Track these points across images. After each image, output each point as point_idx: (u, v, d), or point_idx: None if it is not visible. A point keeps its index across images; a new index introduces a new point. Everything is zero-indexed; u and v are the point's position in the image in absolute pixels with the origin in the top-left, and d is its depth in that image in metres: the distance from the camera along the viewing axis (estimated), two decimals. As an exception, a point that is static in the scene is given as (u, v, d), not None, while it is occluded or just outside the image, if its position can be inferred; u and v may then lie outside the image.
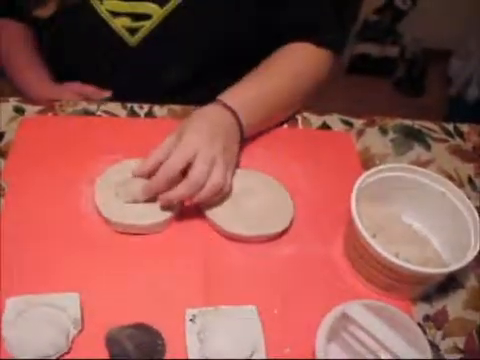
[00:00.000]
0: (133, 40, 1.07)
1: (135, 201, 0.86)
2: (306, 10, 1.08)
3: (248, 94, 0.96)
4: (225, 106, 0.91)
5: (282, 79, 1.02)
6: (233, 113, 0.91)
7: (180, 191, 0.81)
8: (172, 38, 1.07)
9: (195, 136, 0.83)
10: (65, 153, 0.96)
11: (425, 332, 0.78)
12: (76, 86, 1.14)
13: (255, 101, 0.96)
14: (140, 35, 1.07)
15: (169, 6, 1.03)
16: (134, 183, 0.86)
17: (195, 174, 0.80)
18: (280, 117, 1.05)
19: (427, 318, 0.80)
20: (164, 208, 0.86)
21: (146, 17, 1.05)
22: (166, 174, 0.82)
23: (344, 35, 1.17)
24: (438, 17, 2.73)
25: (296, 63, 1.06)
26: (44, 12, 1.05)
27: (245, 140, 0.95)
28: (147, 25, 1.05)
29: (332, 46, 1.10)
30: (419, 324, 0.78)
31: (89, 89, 1.13)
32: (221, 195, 0.85)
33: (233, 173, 0.89)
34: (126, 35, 1.07)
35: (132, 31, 1.06)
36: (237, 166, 0.93)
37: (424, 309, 0.81)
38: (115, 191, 0.88)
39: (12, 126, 1.00)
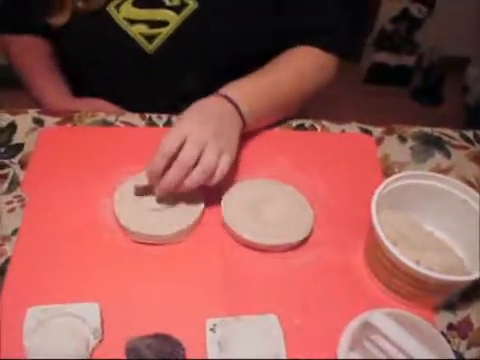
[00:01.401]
0: (151, 47, 1.08)
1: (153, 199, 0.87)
2: (316, 15, 1.10)
3: (248, 84, 0.99)
4: (221, 95, 0.94)
5: (285, 74, 1.05)
6: (230, 100, 0.93)
7: (170, 175, 0.83)
8: (189, 44, 1.08)
9: (185, 122, 0.86)
10: (84, 164, 0.96)
11: (449, 341, 0.77)
12: (99, 103, 1.14)
13: (255, 89, 0.98)
14: (158, 42, 1.07)
15: (185, 12, 1.04)
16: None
17: (183, 156, 0.82)
18: (280, 112, 1.05)
19: (451, 327, 0.79)
20: (183, 217, 0.86)
21: (163, 24, 1.06)
22: (162, 161, 0.83)
23: (354, 42, 1.18)
24: (454, 25, 2.72)
25: (300, 63, 1.08)
26: (59, 20, 1.06)
27: (264, 148, 0.95)
28: (164, 32, 1.06)
29: (339, 51, 1.11)
30: (442, 333, 0.77)
31: (111, 109, 1.13)
32: (215, 180, 0.85)
33: (232, 159, 0.88)
34: (144, 42, 1.07)
35: (149, 38, 1.07)
36: (252, 172, 0.94)
37: (447, 318, 0.80)
38: (134, 201, 0.88)
39: (31, 137, 1.01)
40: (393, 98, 2.79)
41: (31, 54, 1.20)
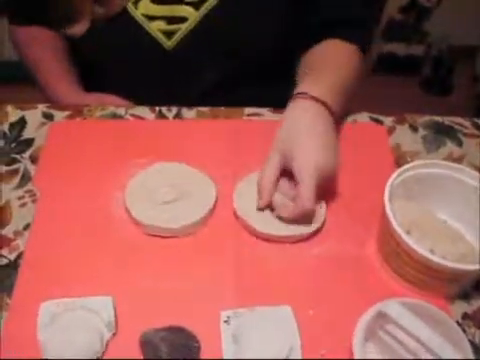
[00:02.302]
0: (169, 43, 1.07)
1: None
2: (340, 7, 1.08)
3: (327, 83, 0.94)
4: (314, 98, 0.89)
5: (346, 70, 1.03)
6: (324, 105, 0.89)
7: (284, 214, 0.84)
8: (207, 40, 1.07)
9: (313, 163, 0.82)
10: (95, 157, 0.96)
11: (464, 331, 0.76)
12: (109, 99, 1.13)
13: (336, 89, 0.95)
14: (176, 38, 1.06)
15: (205, 8, 1.03)
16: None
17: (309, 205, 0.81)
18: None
19: (466, 316, 0.79)
20: (196, 209, 0.86)
21: (182, 20, 1.05)
22: (303, 211, 0.82)
23: (371, 33, 1.18)
24: (463, 14, 2.70)
25: (341, 58, 1.06)
26: (77, 30, 1.06)
27: (272, 140, 0.94)
28: (183, 28, 1.05)
29: (361, 43, 1.10)
30: (458, 323, 0.76)
31: (122, 104, 1.12)
32: None
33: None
34: (163, 38, 1.06)
35: (168, 34, 1.06)
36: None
37: (462, 307, 0.80)
38: (145, 194, 0.88)
39: (41, 132, 1.01)
40: (403, 88, 2.77)
41: (42, 46, 1.20)
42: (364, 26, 1.12)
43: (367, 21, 1.13)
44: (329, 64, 1.02)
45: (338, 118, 0.94)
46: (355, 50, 1.08)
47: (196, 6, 1.04)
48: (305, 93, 0.90)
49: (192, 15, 1.04)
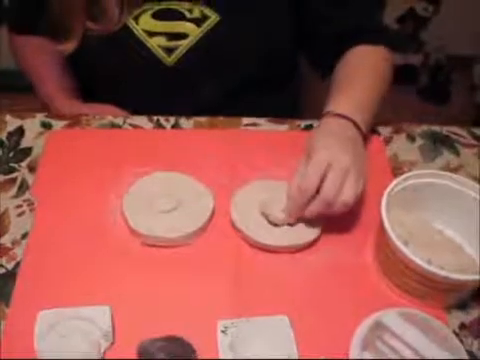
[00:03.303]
0: (170, 60, 1.07)
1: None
2: (355, 16, 1.09)
3: (356, 100, 0.95)
4: (342, 116, 0.89)
5: (373, 79, 1.02)
6: (351, 121, 0.89)
7: (313, 209, 0.81)
8: (208, 57, 1.07)
9: (324, 151, 0.82)
10: (93, 166, 0.96)
11: (461, 341, 0.76)
12: (109, 110, 1.13)
13: (363, 105, 0.95)
14: (177, 54, 1.07)
15: (206, 25, 1.04)
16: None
17: (327, 193, 0.79)
18: (375, 117, 1.02)
19: (463, 326, 0.79)
20: (193, 219, 0.86)
21: (182, 36, 1.05)
22: (304, 197, 0.81)
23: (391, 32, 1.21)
24: (461, 23, 2.71)
25: (372, 65, 1.06)
26: (67, 47, 1.06)
27: (273, 149, 0.95)
28: (184, 44, 1.06)
29: (387, 41, 1.10)
30: (455, 333, 0.76)
31: (121, 114, 1.11)
32: (349, 207, 0.81)
33: (365, 180, 0.85)
34: (163, 55, 1.07)
35: (169, 51, 1.06)
36: (261, 173, 0.94)
37: (459, 317, 0.80)
38: (143, 204, 0.88)
39: (39, 141, 1.01)
40: (400, 97, 2.77)
41: (42, 55, 1.20)
42: (383, 27, 1.13)
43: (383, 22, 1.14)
44: (355, 78, 1.02)
45: (366, 130, 0.93)
46: (383, 50, 1.08)
47: (198, 23, 1.04)
48: (330, 111, 0.91)
49: (193, 32, 1.04)
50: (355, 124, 0.89)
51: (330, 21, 1.08)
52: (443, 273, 0.72)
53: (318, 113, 0.95)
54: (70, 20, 1.03)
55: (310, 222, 0.86)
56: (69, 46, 1.05)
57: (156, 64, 1.07)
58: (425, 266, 0.73)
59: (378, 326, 0.71)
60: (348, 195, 0.79)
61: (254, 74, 1.11)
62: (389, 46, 1.09)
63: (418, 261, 0.73)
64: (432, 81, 2.93)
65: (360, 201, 0.92)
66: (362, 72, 1.03)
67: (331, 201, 0.79)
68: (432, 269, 0.73)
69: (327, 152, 0.81)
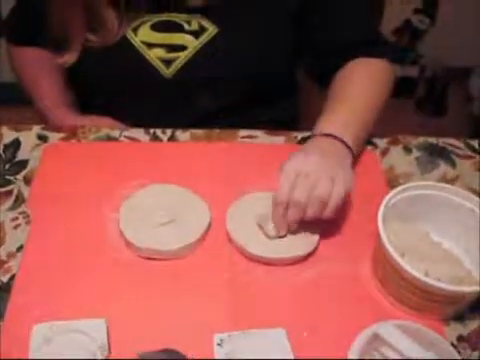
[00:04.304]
0: (168, 72, 1.07)
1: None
2: (362, 27, 1.10)
3: (343, 118, 0.96)
4: (330, 136, 0.91)
5: (369, 93, 1.03)
6: (338, 140, 0.91)
7: (290, 217, 0.83)
8: (206, 68, 1.07)
9: (294, 160, 0.85)
10: (89, 179, 0.96)
11: (460, 353, 0.76)
12: (106, 122, 1.13)
13: (351, 122, 0.96)
14: (175, 67, 1.07)
15: (204, 37, 1.04)
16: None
17: (296, 197, 0.81)
18: (368, 134, 1.03)
19: (461, 338, 0.78)
20: (189, 231, 0.86)
21: (181, 48, 1.05)
22: (280, 206, 0.83)
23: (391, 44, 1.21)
24: (457, 35, 2.72)
25: (371, 78, 1.06)
26: (67, 59, 1.06)
27: (269, 161, 0.95)
28: (182, 56, 1.06)
29: (387, 54, 1.10)
30: (453, 345, 0.76)
31: (118, 127, 1.11)
32: (328, 212, 0.83)
33: (346, 190, 0.84)
34: (161, 66, 1.07)
35: (167, 62, 1.06)
36: (257, 185, 0.94)
37: (457, 329, 0.79)
38: (140, 217, 0.88)
39: (36, 154, 1.01)
40: (397, 109, 2.77)
41: (40, 67, 1.21)
42: (382, 39, 1.13)
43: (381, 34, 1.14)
44: (348, 93, 1.03)
45: (357, 146, 0.95)
46: (382, 62, 1.09)
47: (196, 35, 1.04)
48: (318, 132, 0.93)
49: (191, 44, 1.05)
50: (342, 142, 0.91)
51: (328, 35, 1.09)
52: (440, 285, 0.72)
53: (312, 125, 0.96)
54: (69, 32, 1.04)
55: (306, 235, 0.86)
56: (68, 58, 1.06)
57: (154, 76, 1.07)
58: (422, 278, 0.73)
59: (375, 338, 0.70)
60: (320, 195, 0.81)
61: (252, 87, 1.11)
62: (388, 58, 1.10)
63: (415, 273, 0.73)
64: (429, 93, 2.94)
65: (356, 213, 0.92)
66: (357, 86, 1.04)
67: (302, 204, 0.81)
68: (429, 281, 0.72)
69: (296, 161, 0.84)
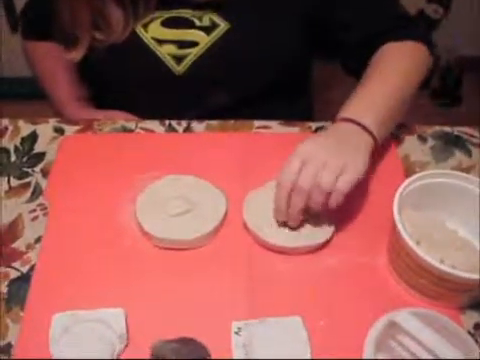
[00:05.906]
0: (179, 69, 1.07)
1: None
2: (383, 16, 1.09)
3: (366, 102, 0.93)
4: (349, 120, 0.88)
5: (396, 79, 0.99)
6: (358, 124, 0.88)
7: (293, 204, 0.82)
8: (218, 64, 1.07)
9: (301, 147, 0.82)
10: (106, 171, 0.97)
11: (476, 341, 0.75)
12: (120, 115, 1.13)
13: (375, 105, 0.92)
14: (186, 63, 1.07)
15: (216, 33, 1.04)
16: None
17: (301, 181, 0.79)
18: (399, 118, 1.00)
19: (477, 326, 0.78)
20: (206, 221, 0.86)
21: (192, 44, 1.05)
22: (283, 190, 0.81)
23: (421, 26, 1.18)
24: (471, 25, 2.70)
25: (403, 61, 1.03)
26: (74, 55, 1.07)
27: (284, 151, 0.95)
28: (193, 52, 1.06)
29: (418, 36, 1.07)
30: (469, 333, 0.76)
31: (133, 119, 1.12)
32: (332, 201, 0.81)
33: (353, 178, 0.81)
34: (172, 63, 1.07)
35: (178, 59, 1.07)
36: (273, 175, 0.92)
37: (474, 317, 0.79)
38: (156, 207, 0.88)
39: (52, 146, 1.02)
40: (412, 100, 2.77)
41: (54, 61, 1.21)
42: (412, 23, 1.11)
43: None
44: (374, 79, 0.99)
45: (380, 131, 0.90)
46: (410, 44, 1.06)
47: (207, 31, 1.04)
48: (338, 116, 0.90)
49: (203, 40, 1.05)
50: (362, 127, 0.88)
51: (355, 31, 1.07)
52: (455, 272, 0.72)
53: (327, 114, 0.95)
54: (76, 30, 1.04)
55: (323, 223, 0.86)
56: (75, 55, 1.06)
57: (165, 73, 1.08)
58: (437, 265, 0.73)
59: (392, 326, 0.71)
60: (322, 184, 0.79)
61: (264, 83, 1.11)
62: (419, 38, 1.07)
63: (430, 260, 0.73)
64: (443, 83, 2.92)
65: (373, 201, 0.92)
66: (385, 67, 1.01)
67: (306, 190, 0.79)
68: (444, 268, 0.72)
69: (308, 144, 0.83)
